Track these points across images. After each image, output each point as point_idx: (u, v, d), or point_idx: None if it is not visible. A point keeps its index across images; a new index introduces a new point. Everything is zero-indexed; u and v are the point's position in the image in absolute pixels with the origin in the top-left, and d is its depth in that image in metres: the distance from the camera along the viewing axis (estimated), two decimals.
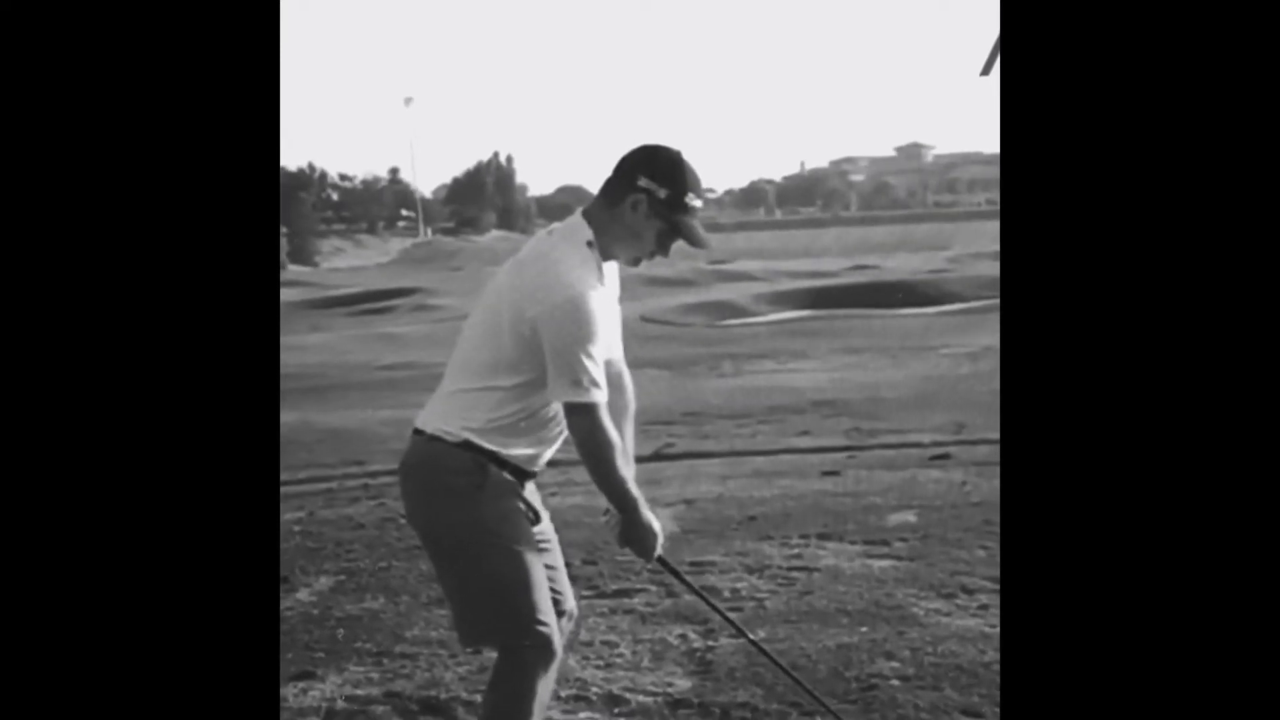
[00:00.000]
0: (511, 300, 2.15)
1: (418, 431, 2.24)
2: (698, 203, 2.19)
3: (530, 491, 2.30)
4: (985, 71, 9.07)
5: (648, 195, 2.14)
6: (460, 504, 2.18)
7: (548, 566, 2.32)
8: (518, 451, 2.21)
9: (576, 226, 2.21)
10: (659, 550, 2.34)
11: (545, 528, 2.35)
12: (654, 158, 2.18)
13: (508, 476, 2.21)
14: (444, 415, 2.22)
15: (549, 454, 2.28)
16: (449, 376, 2.27)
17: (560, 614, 2.33)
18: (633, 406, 2.41)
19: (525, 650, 2.18)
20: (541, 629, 2.17)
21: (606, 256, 2.21)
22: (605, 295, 2.18)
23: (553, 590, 2.32)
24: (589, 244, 2.18)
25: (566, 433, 2.22)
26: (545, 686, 2.23)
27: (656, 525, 2.29)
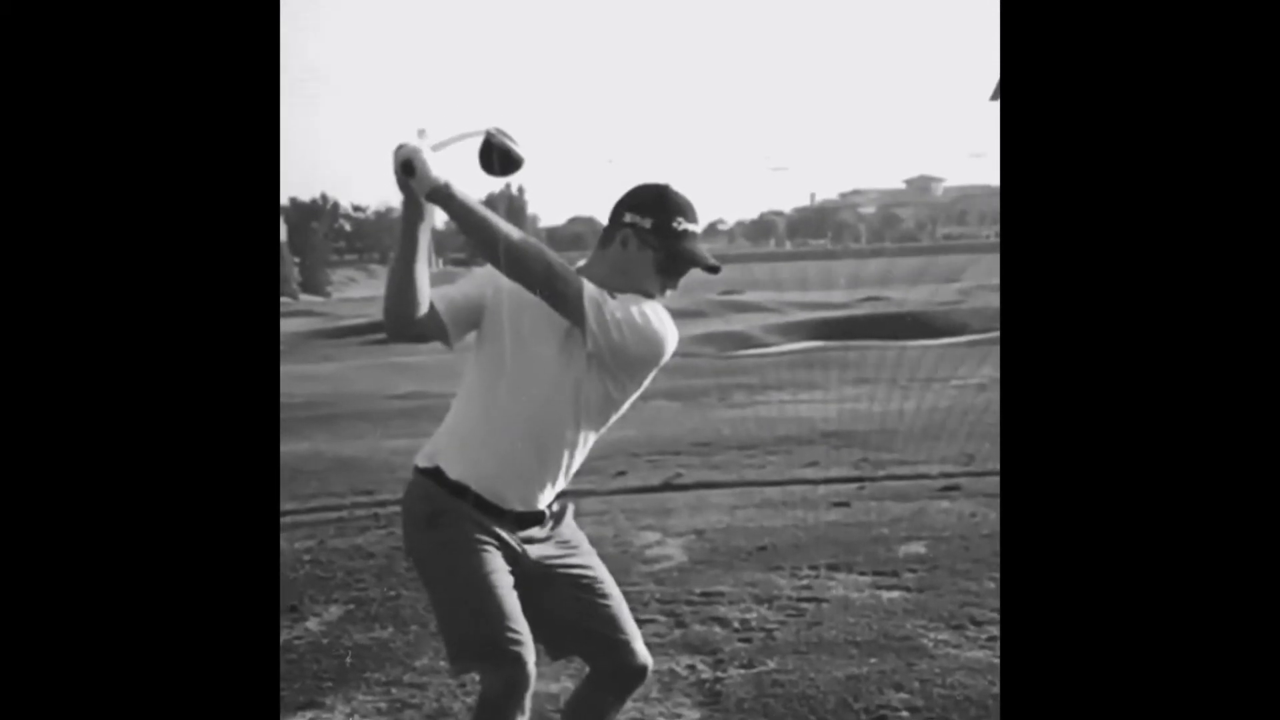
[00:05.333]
0: None
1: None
2: (690, 227, 2.19)
3: (535, 532, 2.25)
4: (995, 97, 9.13)
5: (634, 229, 2.17)
6: (422, 531, 2.21)
7: (602, 604, 2.28)
8: (476, 483, 2.18)
9: None
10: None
11: (592, 572, 2.31)
12: (636, 193, 2.21)
13: (468, 507, 2.17)
14: (428, 443, 2.28)
15: (518, 489, 2.20)
16: None
17: (627, 662, 2.29)
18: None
19: (493, 678, 2.16)
20: (507, 657, 2.11)
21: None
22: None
23: (606, 634, 2.29)
24: None
25: (545, 477, 2.21)
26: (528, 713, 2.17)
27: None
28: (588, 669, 2.40)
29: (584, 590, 2.29)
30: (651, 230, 2.17)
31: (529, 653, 2.14)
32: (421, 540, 2.23)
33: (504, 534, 2.21)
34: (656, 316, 2.18)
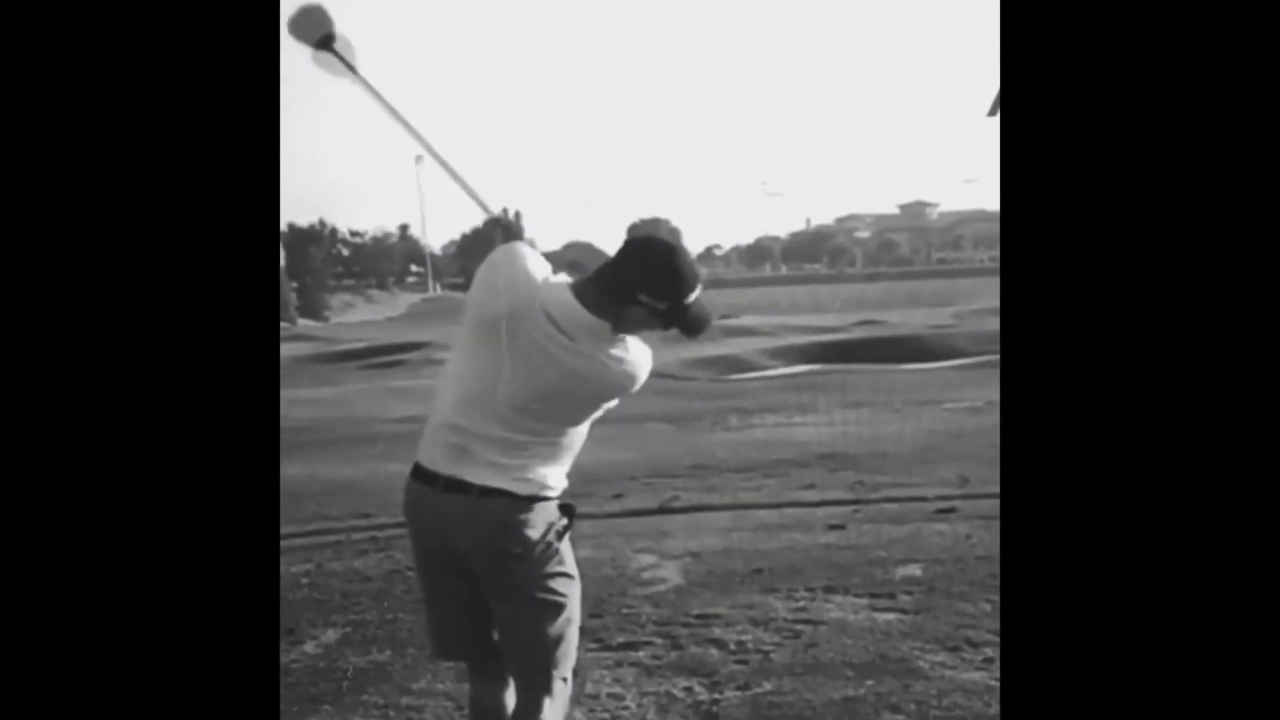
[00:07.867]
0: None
1: (497, 491, 2.26)
2: (697, 293, 2.22)
3: None
4: (993, 112, 9.12)
5: (648, 309, 2.18)
6: (553, 549, 2.34)
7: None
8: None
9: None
10: None
11: None
12: (650, 271, 2.17)
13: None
14: (533, 474, 2.30)
15: None
16: (508, 420, 2.27)
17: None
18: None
19: (568, 681, 2.42)
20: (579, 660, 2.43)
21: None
22: None
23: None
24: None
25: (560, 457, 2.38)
26: None
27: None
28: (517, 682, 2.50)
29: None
30: (665, 312, 2.19)
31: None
32: (554, 554, 2.34)
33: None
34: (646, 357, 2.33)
